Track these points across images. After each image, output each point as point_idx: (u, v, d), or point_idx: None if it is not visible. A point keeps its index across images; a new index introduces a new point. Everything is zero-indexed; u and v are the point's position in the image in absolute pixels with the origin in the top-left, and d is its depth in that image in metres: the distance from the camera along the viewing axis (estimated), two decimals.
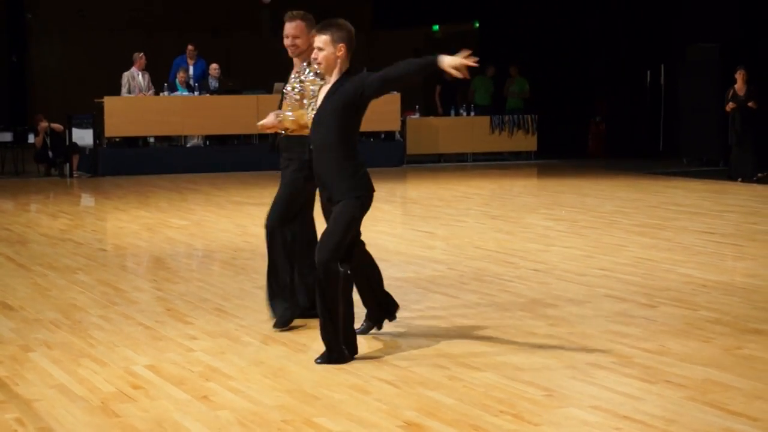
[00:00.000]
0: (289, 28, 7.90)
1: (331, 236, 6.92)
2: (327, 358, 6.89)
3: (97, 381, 6.51)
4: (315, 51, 7.13)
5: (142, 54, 22.08)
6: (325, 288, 6.87)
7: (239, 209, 15.68)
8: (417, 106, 24.37)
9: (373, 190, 7.13)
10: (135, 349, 7.33)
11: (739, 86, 18.91)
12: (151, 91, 22.14)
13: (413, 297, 9.07)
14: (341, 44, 7.03)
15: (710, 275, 9.97)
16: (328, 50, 7.02)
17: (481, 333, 7.65)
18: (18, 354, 7.21)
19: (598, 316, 8.25)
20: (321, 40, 7.05)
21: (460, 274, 10.14)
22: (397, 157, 23.21)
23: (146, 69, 22.15)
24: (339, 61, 7.04)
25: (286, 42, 7.90)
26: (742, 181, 18.77)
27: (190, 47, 22.80)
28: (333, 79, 7.11)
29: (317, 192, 7.53)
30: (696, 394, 6.11)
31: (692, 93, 22.63)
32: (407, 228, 14.38)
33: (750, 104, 18.83)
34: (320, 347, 7.21)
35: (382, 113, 22.96)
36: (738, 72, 19.03)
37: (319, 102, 7.20)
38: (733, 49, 21.43)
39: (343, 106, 6.96)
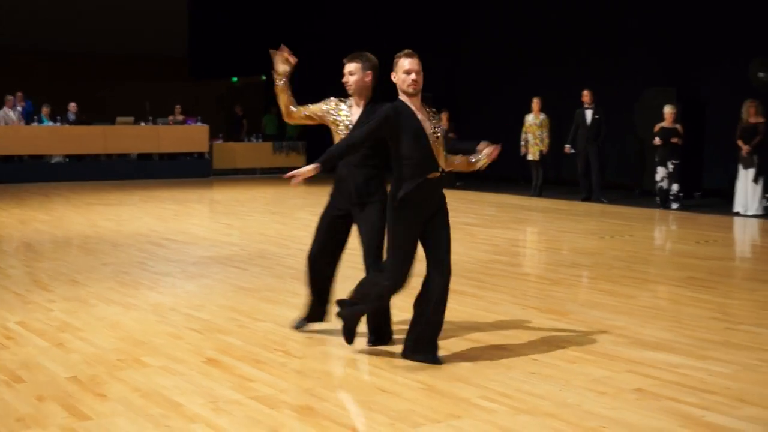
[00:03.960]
0: (414, 63, 5.72)
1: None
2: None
3: None
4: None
5: (11, 97, 21.18)
6: None
7: (90, 208, 15.15)
8: (221, 135, 24.13)
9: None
10: (9, 310, 7.02)
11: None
12: (22, 122, 21.24)
13: (215, 269, 8.97)
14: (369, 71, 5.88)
15: None
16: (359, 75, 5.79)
17: (262, 295, 7.65)
18: None
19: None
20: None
21: (249, 253, 10.09)
22: (206, 170, 22.90)
23: (14, 106, 21.21)
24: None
25: (413, 77, 5.77)
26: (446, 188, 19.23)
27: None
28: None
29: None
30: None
31: None
32: (212, 221, 14.19)
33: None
34: (146, 306, 7.05)
35: (195, 139, 22.76)
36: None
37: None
38: (439, 97, 21.95)
39: None
